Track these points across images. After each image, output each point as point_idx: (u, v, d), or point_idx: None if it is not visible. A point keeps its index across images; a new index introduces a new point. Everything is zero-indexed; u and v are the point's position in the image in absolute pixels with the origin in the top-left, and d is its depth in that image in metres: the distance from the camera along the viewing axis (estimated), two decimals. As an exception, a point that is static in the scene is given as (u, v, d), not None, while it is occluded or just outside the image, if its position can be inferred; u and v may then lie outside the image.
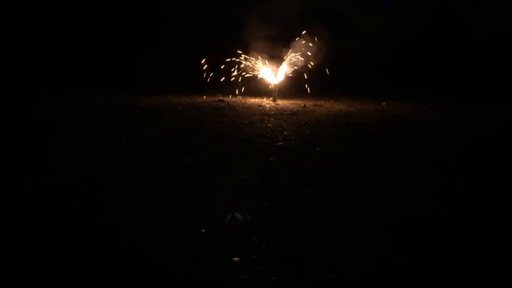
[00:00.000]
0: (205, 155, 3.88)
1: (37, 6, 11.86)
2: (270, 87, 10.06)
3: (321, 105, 8.66)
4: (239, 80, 10.36)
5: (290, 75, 10.15)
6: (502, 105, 8.57)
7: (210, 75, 10.42)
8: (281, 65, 10.04)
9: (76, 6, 12.16)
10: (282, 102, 9.22)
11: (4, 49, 11.03)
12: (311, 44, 9.88)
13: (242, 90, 10.43)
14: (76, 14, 12.21)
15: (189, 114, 6.87)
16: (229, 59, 10.14)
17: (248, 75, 10.37)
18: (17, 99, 7.87)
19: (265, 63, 9.96)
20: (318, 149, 4.26)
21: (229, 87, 10.49)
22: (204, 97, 9.94)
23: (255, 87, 10.43)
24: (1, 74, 10.15)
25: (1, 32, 11.14)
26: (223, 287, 1.67)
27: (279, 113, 7.11)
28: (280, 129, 5.47)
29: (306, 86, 10.49)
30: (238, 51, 10.11)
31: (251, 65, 10.14)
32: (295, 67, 10.07)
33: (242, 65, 10.18)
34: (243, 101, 9.37)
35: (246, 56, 10.10)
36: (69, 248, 1.94)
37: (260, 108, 7.91)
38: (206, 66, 10.23)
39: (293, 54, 9.98)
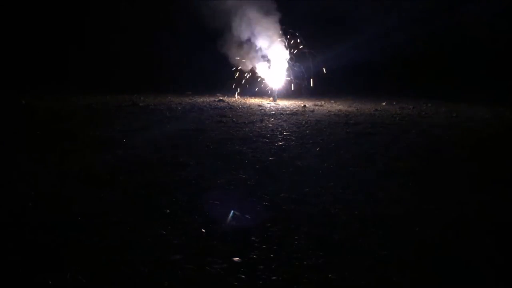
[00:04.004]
0: (205, 155, 3.88)
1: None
2: (270, 87, 10.06)
3: (321, 105, 8.66)
4: (237, 79, 10.38)
5: (288, 78, 10.14)
6: (502, 105, 8.58)
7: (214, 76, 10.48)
8: (281, 65, 10.04)
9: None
10: (282, 102, 9.22)
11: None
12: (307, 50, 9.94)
13: (242, 90, 10.43)
14: (77, 10, 12.21)
15: (189, 114, 6.88)
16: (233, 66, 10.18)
17: (248, 75, 10.37)
18: (14, 98, 7.87)
19: (266, 63, 9.96)
20: (318, 149, 4.27)
21: (229, 87, 10.50)
22: (204, 97, 9.94)
23: (255, 87, 10.43)
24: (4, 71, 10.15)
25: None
26: (223, 287, 1.67)
27: (279, 113, 7.11)
28: (280, 129, 5.47)
29: (312, 85, 10.51)
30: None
31: (251, 65, 10.14)
32: (295, 68, 10.08)
33: (242, 65, 10.19)
34: (243, 101, 9.37)
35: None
36: (70, 248, 1.93)
37: (260, 108, 7.91)
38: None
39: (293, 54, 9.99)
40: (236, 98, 9.87)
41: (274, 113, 7.11)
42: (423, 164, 3.73)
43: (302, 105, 8.57)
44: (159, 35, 12.33)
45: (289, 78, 10.08)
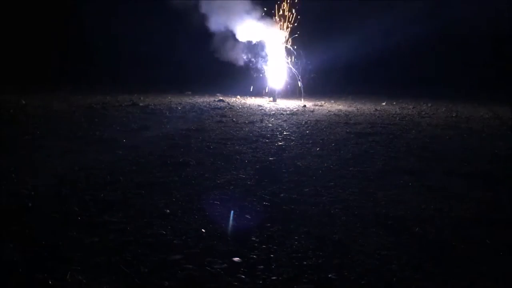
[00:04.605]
0: (205, 155, 3.88)
1: None
2: (270, 86, 10.06)
3: (321, 105, 8.67)
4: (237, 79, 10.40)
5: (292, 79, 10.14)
6: (502, 105, 8.58)
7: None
8: (282, 64, 10.04)
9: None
10: (282, 102, 9.22)
11: None
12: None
13: (242, 90, 10.44)
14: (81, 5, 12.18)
15: (189, 114, 6.88)
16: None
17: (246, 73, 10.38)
18: (14, 97, 7.86)
19: (266, 63, 9.96)
20: (318, 149, 4.27)
21: (229, 87, 10.50)
22: (204, 97, 9.94)
23: (255, 87, 10.44)
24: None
25: None
26: (223, 287, 1.67)
27: (279, 113, 7.11)
28: (280, 129, 5.48)
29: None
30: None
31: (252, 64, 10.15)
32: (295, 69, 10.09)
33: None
34: (243, 101, 9.37)
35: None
36: (70, 248, 1.93)
37: (260, 108, 7.91)
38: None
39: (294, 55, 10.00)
40: (236, 98, 9.87)
41: (274, 113, 7.11)
42: (423, 164, 3.73)
43: (302, 105, 8.57)
44: (159, 34, 12.34)
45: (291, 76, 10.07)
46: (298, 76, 9.98)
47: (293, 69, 9.99)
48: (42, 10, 11.99)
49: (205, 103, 8.53)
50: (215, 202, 2.62)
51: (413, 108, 8.41)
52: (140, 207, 2.49)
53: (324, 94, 10.86)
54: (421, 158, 3.94)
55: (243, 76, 10.56)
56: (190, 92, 10.61)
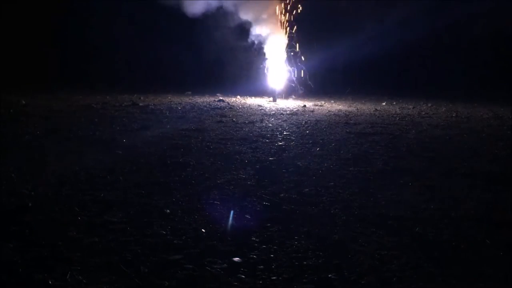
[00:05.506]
0: (205, 155, 3.88)
1: None
2: (270, 86, 10.06)
3: (321, 105, 8.67)
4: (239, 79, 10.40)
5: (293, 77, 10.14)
6: (502, 105, 8.58)
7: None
8: (282, 64, 10.04)
9: None
10: (282, 102, 9.22)
11: None
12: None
13: (242, 90, 10.44)
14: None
15: (189, 114, 6.88)
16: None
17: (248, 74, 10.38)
18: (14, 97, 7.86)
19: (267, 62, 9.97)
20: (318, 149, 4.27)
21: (229, 87, 10.51)
22: (204, 97, 9.94)
23: (255, 87, 10.44)
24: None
25: None
26: (223, 287, 1.67)
27: (279, 113, 7.12)
28: (280, 129, 5.48)
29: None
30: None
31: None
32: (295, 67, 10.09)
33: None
34: (243, 101, 9.37)
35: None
36: (70, 248, 1.93)
37: (260, 108, 7.91)
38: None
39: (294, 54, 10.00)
40: (236, 98, 9.87)
41: (274, 113, 7.11)
42: (423, 164, 3.73)
43: (302, 105, 8.57)
44: (159, 34, 12.33)
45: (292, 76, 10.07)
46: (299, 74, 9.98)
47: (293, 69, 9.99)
48: (42, 9, 11.97)
49: (205, 103, 8.53)
50: (215, 202, 2.62)
51: (413, 108, 8.41)
52: (140, 207, 2.49)
53: (324, 94, 10.87)
54: (421, 158, 3.94)
55: (243, 77, 10.56)
56: (190, 92, 10.62)
